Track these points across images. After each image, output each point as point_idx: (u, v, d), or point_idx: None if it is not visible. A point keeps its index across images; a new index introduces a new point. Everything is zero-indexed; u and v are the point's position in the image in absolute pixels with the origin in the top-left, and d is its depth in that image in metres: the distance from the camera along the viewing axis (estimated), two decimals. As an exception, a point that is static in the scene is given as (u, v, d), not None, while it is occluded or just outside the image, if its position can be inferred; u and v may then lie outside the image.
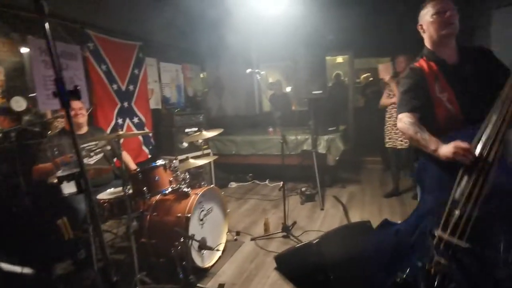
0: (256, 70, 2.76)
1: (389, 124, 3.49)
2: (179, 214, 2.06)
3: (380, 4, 4.36)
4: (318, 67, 3.49)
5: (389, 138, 3.47)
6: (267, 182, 4.47)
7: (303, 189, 3.69)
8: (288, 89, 6.20)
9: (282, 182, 2.88)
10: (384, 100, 3.50)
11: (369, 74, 5.99)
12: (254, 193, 4.13)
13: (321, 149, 3.73)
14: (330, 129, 3.83)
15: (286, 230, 2.74)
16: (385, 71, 3.37)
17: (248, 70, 2.77)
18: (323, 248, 1.78)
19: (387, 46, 5.71)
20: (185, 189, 2.21)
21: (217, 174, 4.23)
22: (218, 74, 5.57)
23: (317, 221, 3.04)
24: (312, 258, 1.83)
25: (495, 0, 2.89)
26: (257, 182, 4.53)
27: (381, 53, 6.09)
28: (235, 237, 2.72)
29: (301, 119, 4.66)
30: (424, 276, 1.24)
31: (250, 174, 4.64)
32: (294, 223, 2.97)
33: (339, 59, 7.26)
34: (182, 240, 1.94)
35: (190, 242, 1.97)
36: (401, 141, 3.33)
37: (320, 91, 3.43)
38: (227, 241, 2.54)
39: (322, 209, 3.32)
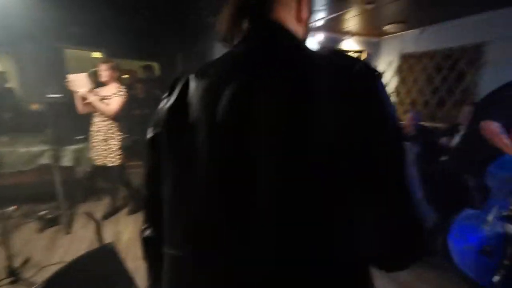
0: None
1: (96, 138, 2.97)
2: None
3: (131, 6, 4.31)
4: (56, 64, 2.92)
5: (98, 155, 3.00)
6: (-13, 210, 3.29)
7: (43, 212, 3.02)
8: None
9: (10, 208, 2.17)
10: (79, 105, 2.88)
11: (127, 76, 5.85)
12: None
13: (67, 161, 3.20)
14: (78, 137, 3.35)
15: (14, 273, 2.12)
16: (80, 83, 2.76)
17: None
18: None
19: (145, 50, 5.82)
20: None
21: None
22: None
23: (60, 250, 2.59)
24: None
25: (215, 35, 3.66)
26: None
27: (140, 56, 6.16)
28: None
29: (40, 123, 3.77)
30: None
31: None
32: (27, 260, 2.37)
33: (97, 54, 6.57)
34: None
35: None
36: (113, 157, 2.98)
37: (60, 95, 2.89)
38: None
39: (68, 233, 2.87)
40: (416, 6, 3.35)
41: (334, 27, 4.39)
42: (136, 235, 2.87)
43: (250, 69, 0.54)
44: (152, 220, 0.68)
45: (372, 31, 4.67)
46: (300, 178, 0.48)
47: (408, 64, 4.64)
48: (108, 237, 2.82)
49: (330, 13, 3.72)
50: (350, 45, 4.92)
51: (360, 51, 5.05)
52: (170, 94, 0.60)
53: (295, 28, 0.62)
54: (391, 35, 4.72)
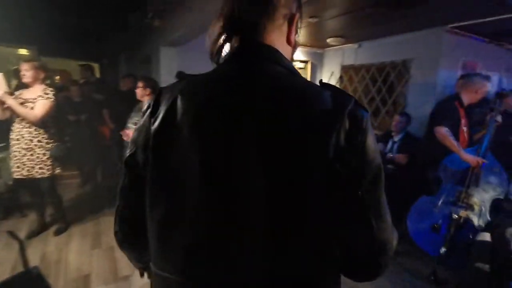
0: None
1: (17, 147, 2.56)
2: None
3: (69, 2, 3.94)
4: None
5: (21, 165, 2.57)
6: None
7: (-50, 234, 2.56)
8: None
9: None
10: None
11: (59, 77, 5.32)
12: None
13: (-17, 173, 2.77)
14: (-4, 146, 2.94)
15: None
16: None
17: None
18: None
19: (84, 49, 5.35)
20: None
21: None
22: None
23: (-27, 278, 2.21)
24: None
25: (161, 39, 3.55)
26: None
27: (78, 55, 5.65)
28: None
29: None
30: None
31: None
32: None
33: (23, 51, 5.84)
34: None
35: None
36: (41, 168, 2.61)
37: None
38: None
39: (-15, 256, 2.47)
40: (353, 23, 3.63)
41: (281, 37, 4.54)
42: (66, 256, 2.59)
43: (242, 94, 0.54)
44: (125, 228, 0.69)
45: (316, 43, 4.94)
46: (291, 203, 0.52)
47: (348, 75, 5.00)
48: (34, 260, 2.48)
49: (277, 23, 3.83)
50: (296, 55, 5.13)
51: (305, 61, 5.31)
52: (154, 111, 0.58)
53: (285, 49, 0.63)
54: (333, 48, 5.05)
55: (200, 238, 0.54)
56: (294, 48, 0.67)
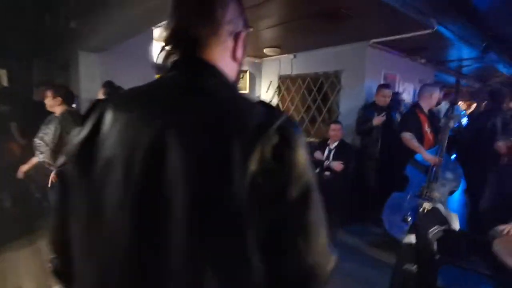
0: None
1: None
2: None
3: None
4: None
5: None
6: None
7: None
8: None
9: None
10: None
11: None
12: None
13: None
14: None
15: None
16: None
17: None
18: None
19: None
20: None
21: None
22: None
23: None
24: None
25: (80, 43, 3.18)
26: None
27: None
28: None
29: None
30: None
31: None
32: None
33: None
34: None
35: None
36: None
37: None
38: None
39: None
40: (287, 35, 3.73)
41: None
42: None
43: (170, 107, 0.53)
44: (60, 253, 0.63)
45: (254, 53, 4.99)
46: (215, 230, 0.48)
47: (285, 84, 5.13)
48: None
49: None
50: (235, 64, 5.11)
51: (244, 71, 5.30)
52: (84, 122, 0.57)
53: (229, 66, 0.62)
54: (271, 58, 5.15)
55: (118, 259, 0.51)
56: (239, 65, 0.67)
